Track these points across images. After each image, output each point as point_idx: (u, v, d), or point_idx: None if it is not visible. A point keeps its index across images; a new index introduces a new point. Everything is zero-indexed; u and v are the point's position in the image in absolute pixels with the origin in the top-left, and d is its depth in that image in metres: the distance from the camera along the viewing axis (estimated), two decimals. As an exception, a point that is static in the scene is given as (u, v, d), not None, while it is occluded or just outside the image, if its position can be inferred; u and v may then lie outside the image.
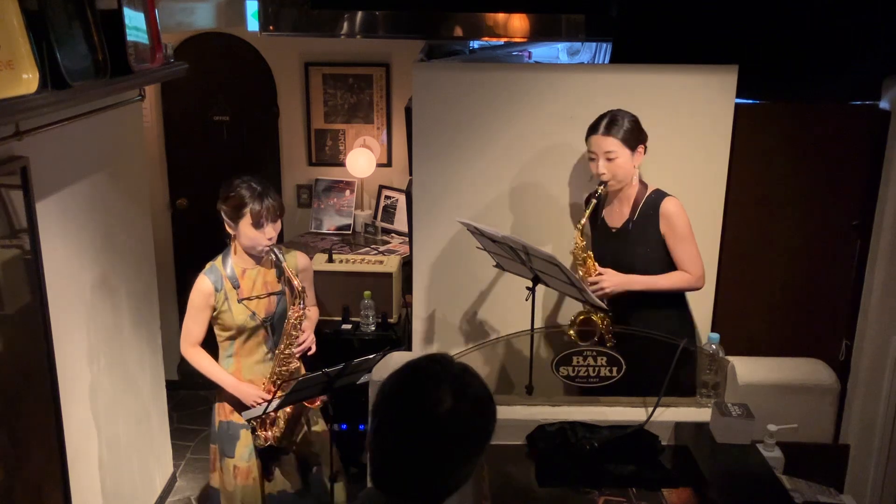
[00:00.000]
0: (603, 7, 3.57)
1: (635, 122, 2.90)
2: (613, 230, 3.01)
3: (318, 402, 3.15)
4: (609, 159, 2.87)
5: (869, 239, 3.34)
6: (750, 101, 3.32)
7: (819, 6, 3.15)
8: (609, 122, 2.87)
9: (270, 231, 2.95)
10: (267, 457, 3.15)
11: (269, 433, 3.08)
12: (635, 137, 2.89)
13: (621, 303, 2.95)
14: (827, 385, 2.59)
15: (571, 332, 2.98)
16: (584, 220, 2.97)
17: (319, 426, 3.26)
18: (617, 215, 3.01)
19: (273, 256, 2.99)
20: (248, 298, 3.00)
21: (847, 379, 3.38)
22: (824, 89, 3.32)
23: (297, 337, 3.04)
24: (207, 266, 3.02)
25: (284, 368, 3.04)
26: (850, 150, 3.36)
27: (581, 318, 2.98)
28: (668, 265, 2.94)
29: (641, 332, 2.81)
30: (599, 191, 2.94)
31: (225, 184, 2.98)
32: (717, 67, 3.16)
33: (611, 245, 3.01)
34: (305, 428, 3.21)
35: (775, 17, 3.19)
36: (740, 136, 3.25)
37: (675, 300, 3.01)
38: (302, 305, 3.00)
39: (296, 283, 2.97)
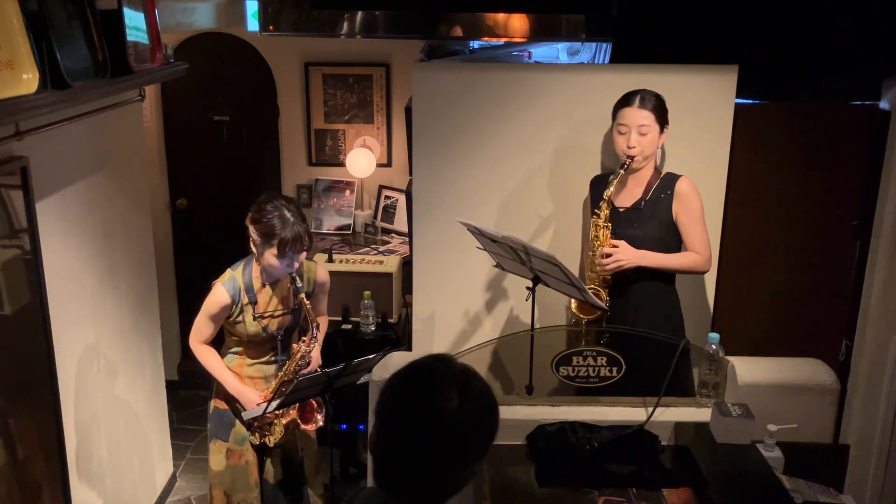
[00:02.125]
0: (603, 7, 3.57)
1: (664, 101, 2.92)
2: (621, 210, 2.99)
3: (313, 425, 3.14)
4: (641, 133, 2.87)
5: (869, 239, 3.34)
6: (750, 101, 3.32)
7: (819, 6, 3.15)
8: (642, 96, 2.89)
9: (294, 263, 2.90)
10: (259, 449, 3.16)
11: (266, 432, 3.08)
12: (663, 116, 2.91)
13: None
14: (827, 385, 2.59)
15: (574, 303, 2.99)
16: (611, 189, 2.93)
17: (311, 447, 3.28)
18: (626, 196, 3.00)
19: (292, 286, 2.98)
20: (262, 315, 2.99)
21: (847, 379, 3.38)
22: (824, 89, 3.32)
23: (303, 366, 3.05)
24: (227, 275, 2.99)
25: (285, 389, 3.03)
26: (850, 150, 3.36)
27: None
28: (671, 249, 2.94)
29: (638, 332, 2.80)
30: (627, 164, 2.91)
31: (257, 202, 2.88)
32: (717, 67, 3.16)
33: (616, 226, 2.98)
34: (297, 443, 3.23)
35: (775, 17, 3.19)
36: (740, 136, 3.25)
37: (666, 274, 3.00)
38: (314, 339, 3.01)
39: (312, 318, 2.97)
